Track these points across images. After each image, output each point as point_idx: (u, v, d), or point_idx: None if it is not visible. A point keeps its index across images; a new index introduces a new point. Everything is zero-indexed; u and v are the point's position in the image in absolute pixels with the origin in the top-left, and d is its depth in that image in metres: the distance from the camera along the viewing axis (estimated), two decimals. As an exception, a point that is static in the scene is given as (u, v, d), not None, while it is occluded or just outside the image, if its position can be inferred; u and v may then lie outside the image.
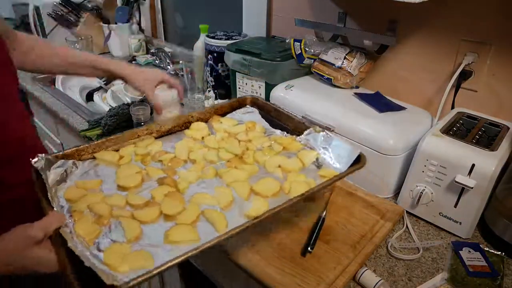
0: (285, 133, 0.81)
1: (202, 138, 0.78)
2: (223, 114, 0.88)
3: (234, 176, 0.66)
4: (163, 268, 0.47)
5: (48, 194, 0.57)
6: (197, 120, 0.84)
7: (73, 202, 0.59)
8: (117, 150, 0.73)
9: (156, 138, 0.78)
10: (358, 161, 0.67)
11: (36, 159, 0.60)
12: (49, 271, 0.50)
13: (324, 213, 0.78)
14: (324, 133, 0.74)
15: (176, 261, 0.48)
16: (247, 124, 0.83)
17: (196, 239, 0.53)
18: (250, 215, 0.56)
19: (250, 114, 0.87)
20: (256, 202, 0.61)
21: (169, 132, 0.81)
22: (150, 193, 0.62)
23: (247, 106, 0.90)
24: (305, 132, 0.77)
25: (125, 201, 0.60)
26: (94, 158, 0.70)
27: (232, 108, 0.89)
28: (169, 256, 0.49)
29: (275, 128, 0.83)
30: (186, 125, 0.82)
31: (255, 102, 0.90)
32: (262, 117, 0.87)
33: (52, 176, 0.62)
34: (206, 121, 0.85)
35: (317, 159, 0.72)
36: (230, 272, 0.81)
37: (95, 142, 0.71)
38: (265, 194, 0.62)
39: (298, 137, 0.78)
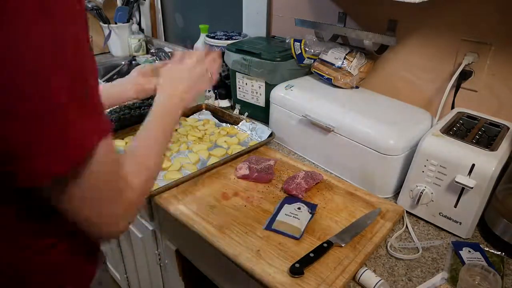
0: (228, 124, 1.18)
1: (176, 130, 1.12)
2: (188, 116, 1.23)
3: (198, 148, 1.04)
4: (165, 186, 0.87)
5: None
6: None
7: None
8: (122, 139, 1.08)
9: None
10: (271, 136, 1.08)
11: None
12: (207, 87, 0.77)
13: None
14: (251, 122, 1.14)
15: (171, 183, 0.87)
16: (204, 121, 1.20)
17: (180, 176, 0.91)
18: (209, 166, 0.95)
19: (205, 115, 1.25)
20: (213, 159, 0.99)
21: None
22: None
23: (203, 110, 1.27)
24: (240, 123, 1.16)
25: None
26: None
27: (193, 112, 1.25)
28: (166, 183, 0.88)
29: (222, 122, 1.20)
30: None
31: (207, 108, 1.28)
32: (213, 116, 1.24)
33: None
34: None
35: (248, 137, 1.12)
36: (230, 272, 0.81)
37: None
38: (217, 155, 1.01)
39: (236, 126, 1.16)
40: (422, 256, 0.73)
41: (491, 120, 0.86)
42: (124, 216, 0.49)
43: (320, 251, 0.69)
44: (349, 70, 1.05)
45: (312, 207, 0.82)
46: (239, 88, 1.23)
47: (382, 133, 0.86)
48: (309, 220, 0.78)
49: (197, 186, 0.90)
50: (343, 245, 0.72)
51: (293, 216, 0.77)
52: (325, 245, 0.70)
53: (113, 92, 0.85)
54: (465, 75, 0.93)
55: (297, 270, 0.65)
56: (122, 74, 1.83)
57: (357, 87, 1.09)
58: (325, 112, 0.95)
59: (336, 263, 0.68)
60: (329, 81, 1.07)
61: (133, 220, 0.53)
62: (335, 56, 1.07)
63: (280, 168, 0.97)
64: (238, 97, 1.25)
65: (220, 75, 1.34)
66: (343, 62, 1.05)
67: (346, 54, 1.06)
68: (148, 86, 0.83)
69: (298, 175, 0.89)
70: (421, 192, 0.79)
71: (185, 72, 0.73)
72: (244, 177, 0.92)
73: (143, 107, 1.17)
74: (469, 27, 0.90)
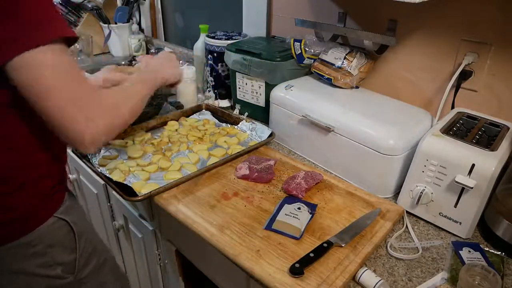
0: (228, 124, 1.18)
1: (176, 130, 1.15)
2: (188, 116, 1.23)
3: (198, 147, 1.05)
4: (165, 186, 0.87)
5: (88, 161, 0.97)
6: (171, 120, 1.19)
7: (103, 165, 0.95)
8: (122, 139, 1.07)
9: (145, 131, 1.13)
10: (271, 136, 1.09)
11: None
12: (176, 81, 0.98)
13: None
14: (251, 122, 1.14)
15: (171, 183, 0.88)
16: (204, 121, 1.20)
17: (180, 176, 0.91)
18: (208, 165, 0.96)
19: (205, 115, 1.24)
20: (213, 159, 0.99)
21: (153, 128, 1.16)
22: (150, 159, 0.99)
23: (203, 110, 1.27)
24: (240, 123, 1.16)
25: (136, 163, 0.96)
26: (108, 144, 1.03)
27: (193, 112, 1.25)
28: (166, 183, 0.89)
29: (221, 122, 1.20)
30: (165, 123, 1.18)
31: (207, 108, 1.28)
32: (213, 116, 1.24)
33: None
34: (177, 120, 1.19)
35: (248, 137, 1.12)
36: (230, 272, 0.81)
37: None
38: (217, 155, 1.01)
39: (236, 126, 1.16)
40: (422, 256, 0.73)
41: (491, 120, 0.86)
42: (87, 129, 0.59)
43: (320, 251, 0.69)
44: (349, 70, 1.05)
45: (312, 207, 0.82)
46: (239, 88, 1.23)
47: (382, 133, 0.86)
48: (309, 220, 0.78)
49: (197, 186, 0.90)
50: (343, 245, 0.72)
51: (293, 216, 0.77)
52: (325, 245, 0.70)
53: None
54: (465, 75, 0.93)
55: (297, 270, 0.65)
56: (122, 74, 1.82)
57: (357, 87, 1.09)
58: (325, 112, 0.95)
59: (336, 263, 0.68)
60: (329, 81, 1.07)
61: (99, 141, 0.63)
62: (335, 56, 1.07)
63: (280, 168, 0.97)
64: (238, 97, 1.25)
65: (220, 75, 1.35)
66: (343, 62, 1.05)
67: (346, 54, 1.06)
68: (113, 78, 1.00)
69: (298, 175, 0.89)
70: (421, 192, 0.79)
71: (156, 58, 0.99)
72: (244, 177, 0.92)
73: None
74: (469, 27, 0.91)
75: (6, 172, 0.64)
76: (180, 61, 1.70)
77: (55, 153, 0.72)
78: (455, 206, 0.76)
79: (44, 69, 0.56)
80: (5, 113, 0.61)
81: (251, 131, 1.13)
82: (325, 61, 1.09)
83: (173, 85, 1.00)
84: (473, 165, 0.71)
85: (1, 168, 0.63)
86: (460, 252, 0.72)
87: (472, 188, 0.71)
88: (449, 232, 0.79)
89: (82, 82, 0.61)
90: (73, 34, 0.60)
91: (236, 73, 1.20)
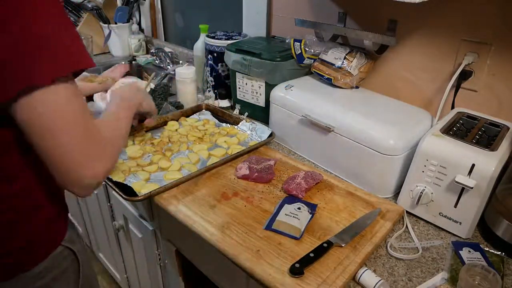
0: (228, 124, 1.18)
1: (176, 130, 1.15)
2: (188, 116, 1.23)
3: (198, 147, 1.05)
4: (165, 186, 0.87)
5: None
6: (171, 120, 1.18)
7: None
8: None
9: (145, 131, 1.13)
10: (271, 136, 1.09)
11: None
12: (153, 112, 0.98)
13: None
14: (251, 122, 1.14)
15: (171, 183, 0.88)
16: (204, 121, 1.20)
17: (180, 176, 0.91)
18: (209, 166, 0.96)
19: (205, 115, 1.24)
20: (213, 159, 1.00)
21: (153, 128, 1.15)
22: (150, 159, 0.99)
23: (203, 110, 1.27)
24: (240, 123, 1.16)
25: (136, 163, 0.97)
26: None
27: (193, 112, 1.25)
28: (166, 183, 0.89)
29: (221, 122, 1.20)
30: (165, 123, 1.18)
31: (207, 108, 1.28)
32: (213, 116, 1.24)
33: None
34: (177, 120, 1.19)
35: (248, 137, 1.12)
36: (230, 272, 0.81)
37: None
38: (217, 155, 1.01)
39: (236, 126, 1.16)
40: (422, 256, 0.73)
41: (491, 120, 0.86)
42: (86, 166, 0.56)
43: (320, 251, 0.70)
44: (349, 70, 1.05)
45: (312, 207, 0.82)
46: (239, 88, 1.23)
47: (382, 133, 0.86)
48: (309, 220, 0.78)
49: (197, 186, 0.90)
50: (343, 245, 0.72)
51: (293, 216, 0.77)
52: (325, 245, 0.70)
53: None
54: (465, 75, 0.93)
55: (297, 270, 0.65)
56: (122, 74, 1.82)
57: (357, 87, 1.09)
58: (325, 112, 0.95)
59: (336, 263, 0.68)
60: (329, 81, 1.07)
61: (95, 186, 0.59)
62: (335, 56, 1.07)
63: (280, 168, 0.97)
64: (238, 97, 1.25)
65: (220, 75, 1.35)
66: (343, 62, 1.05)
67: (346, 54, 1.06)
68: (84, 88, 1.11)
69: (298, 175, 0.89)
70: (421, 192, 0.79)
71: (124, 87, 0.97)
72: (244, 177, 0.92)
73: None
74: (469, 27, 0.91)
75: (12, 200, 0.61)
76: (180, 61, 1.70)
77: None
78: (455, 206, 0.76)
79: (53, 108, 0.51)
80: (10, 147, 0.58)
81: (251, 131, 1.13)
82: (325, 61, 1.09)
83: (145, 118, 1.01)
84: (473, 165, 0.71)
85: (7, 197, 0.60)
86: (460, 252, 0.72)
87: (472, 188, 0.71)
88: (449, 232, 0.79)
89: (88, 122, 0.56)
90: (92, 64, 0.56)
91: (236, 73, 1.20)
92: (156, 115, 1.03)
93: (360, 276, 0.66)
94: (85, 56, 0.55)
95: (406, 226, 0.81)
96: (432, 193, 0.79)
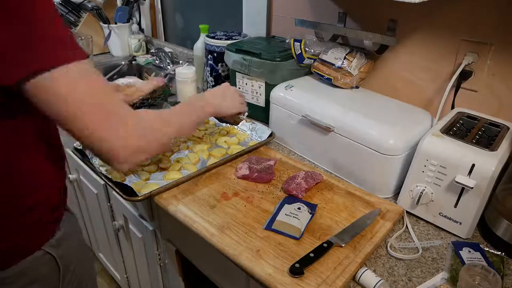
0: (228, 124, 1.17)
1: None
2: None
3: (198, 148, 1.05)
4: (165, 186, 0.87)
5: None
6: None
7: (103, 166, 0.94)
8: None
9: None
10: (271, 136, 1.09)
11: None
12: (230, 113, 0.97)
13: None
14: (251, 122, 1.14)
15: (171, 183, 0.88)
16: (204, 121, 1.18)
17: (180, 176, 0.91)
18: (208, 166, 0.96)
19: None
20: (213, 159, 1.00)
21: None
22: (150, 159, 0.97)
23: None
24: (240, 123, 1.16)
25: None
26: None
27: None
28: (166, 183, 0.89)
29: (221, 122, 1.19)
30: None
31: None
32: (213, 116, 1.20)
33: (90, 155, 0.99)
34: None
35: (248, 137, 1.12)
36: (230, 272, 0.81)
37: None
38: (217, 155, 1.01)
39: (236, 126, 1.16)
40: (422, 256, 0.73)
41: (491, 120, 0.86)
42: (120, 147, 0.58)
43: (320, 251, 0.70)
44: (349, 70, 1.05)
45: (312, 207, 0.82)
46: (239, 88, 1.23)
47: (382, 133, 0.86)
48: (309, 220, 0.78)
49: (197, 186, 0.90)
50: (343, 245, 0.72)
51: (293, 216, 0.77)
52: (325, 245, 0.70)
53: None
54: (465, 75, 0.93)
55: (297, 270, 0.65)
56: (122, 74, 1.83)
57: (357, 87, 1.09)
58: (325, 112, 0.95)
59: (336, 263, 0.68)
60: (329, 81, 1.07)
61: (134, 160, 0.61)
62: (335, 56, 1.07)
63: (280, 168, 0.97)
64: (238, 97, 1.25)
65: (220, 75, 1.35)
66: (343, 62, 1.05)
67: (346, 54, 1.06)
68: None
69: (298, 175, 0.89)
70: (421, 192, 0.79)
71: (219, 89, 0.98)
72: (244, 177, 0.92)
73: (143, 107, 1.18)
74: (469, 27, 0.91)
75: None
76: (180, 61, 1.70)
77: (51, 180, 0.68)
78: (455, 206, 0.76)
79: (71, 87, 0.53)
80: None
81: (251, 131, 1.13)
82: (325, 61, 1.09)
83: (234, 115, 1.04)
84: (473, 165, 0.71)
85: None
86: (460, 252, 0.72)
87: (472, 188, 0.71)
88: (449, 232, 0.79)
89: (112, 97, 0.59)
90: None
91: (236, 73, 1.20)
92: (246, 111, 1.03)
93: (360, 276, 0.66)
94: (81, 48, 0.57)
95: (406, 226, 0.81)
96: (432, 193, 0.79)
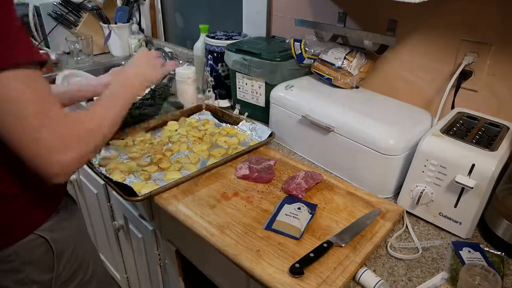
0: (228, 124, 1.18)
1: (176, 130, 1.15)
2: (188, 116, 1.24)
3: (198, 147, 1.05)
4: (165, 186, 0.87)
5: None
6: (171, 120, 1.20)
7: (104, 166, 0.95)
8: (122, 139, 1.08)
9: (145, 131, 1.14)
10: (271, 136, 1.09)
11: None
12: (157, 79, 0.92)
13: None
14: (251, 122, 1.15)
15: (171, 183, 0.88)
16: (204, 121, 1.21)
17: (180, 176, 0.92)
18: (208, 166, 0.96)
19: (205, 115, 1.25)
20: (213, 159, 1.00)
21: (153, 128, 1.16)
22: (150, 159, 0.99)
23: (203, 110, 1.28)
24: (240, 123, 1.16)
25: (136, 163, 0.97)
26: (108, 144, 1.04)
27: (193, 112, 1.26)
28: (166, 183, 0.89)
29: (221, 122, 1.20)
30: (165, 123, 1.18)
31: (207, 108, 1.28)
32: (213, 116, 1.25)
33: None
34: (177, 120, 1.20)
35: (248, 137, 1.12)
36: (230, 272, 0.81)
37: None
38: (217, 155, 1.01)
39: (236, 126, 1.16)
40: (422, 256, 0.73)
41: (491, 120, 0.86)
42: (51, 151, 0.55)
43: (320, 251, 0.70)
44: (349, 70, 1.05)
45: (312, 207, 0.82)
46: (239, 88, 1.23)
47: (382, 133, 0.86)
48: (309, 220, 0.78)
49: (197, 186, 0.90)
50: (343, 245, 0.72)
51: (293, 216, 0.77)
52: (325, 245, 0.70)
53: (72, 90, 1.01)
54: (465, 75, 0.93)
55: (297, 270, 0.65)
56: (122, 74, 1.82)
57: (357, 87, 1.09)
58: (325, 112, 0.95)
59: (336, 263, 0.68)
60: (329, 81, 1.07)
61: (69, 172, 0.58)
62: (335, 56, 1.07)
63: (280, 168, 0.97)
64: (238, 97, 1.25)
65: (220, 75, 1.35)
66: (343, 62, 1.05)
67: (346, 54, 1.06)
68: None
69: (298, 175, 0.89)
70: (421, 192, 0.79)
71: (138, 60, 0.92)
72: (244, 177, 0.92)
73: (143, 107, 1.17)
74: (469, 27, 0.90)
75: None
76: (180, 61, 1.70)
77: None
78: (455, 206, 0.76)
79: (10, 92, 0.51)
80: None
81: (251, 131, 1.13)
82: (325, 61, 1.09)
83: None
84: (473, 165, 0.71)
85: None
86: (460, 252, 0.72)
87: (472, 188, 0.71)
88: (449, 232, 0.79)
89: (51, 107, 0.55)
90: (43, 58, 0.56)
91: (236, 73, 1.20)
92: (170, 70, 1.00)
93: (360, 276, 0.66)
94: (37, 49, 0.56)
95: (406, 226, 0.81)
96: (432, 193, 0.79)
